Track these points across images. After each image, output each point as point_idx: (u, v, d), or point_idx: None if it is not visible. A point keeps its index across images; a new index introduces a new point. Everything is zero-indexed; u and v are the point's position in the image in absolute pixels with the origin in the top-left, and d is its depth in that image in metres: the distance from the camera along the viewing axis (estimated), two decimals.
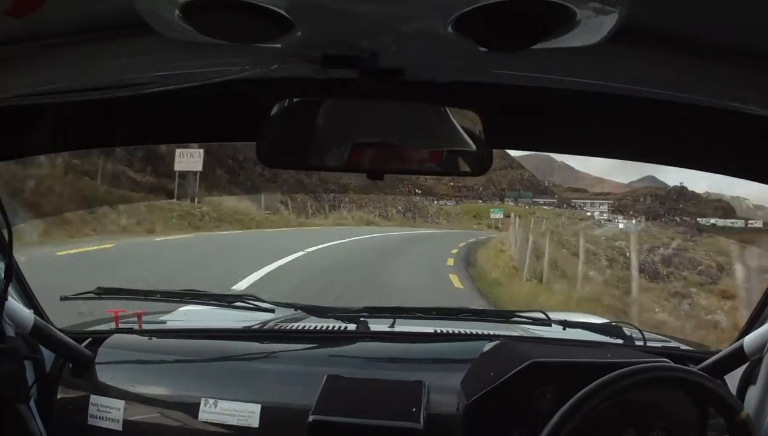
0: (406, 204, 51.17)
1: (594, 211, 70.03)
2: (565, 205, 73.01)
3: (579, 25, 0.73)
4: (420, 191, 57.04)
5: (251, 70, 0.89)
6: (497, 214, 48.69)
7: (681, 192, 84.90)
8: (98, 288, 1.60)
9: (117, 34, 0.86)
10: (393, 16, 0.77)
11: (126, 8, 0.73)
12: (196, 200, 22.35)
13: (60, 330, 1.41)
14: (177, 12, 0.72)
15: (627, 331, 1.57)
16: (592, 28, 0.74)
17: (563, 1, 0.68)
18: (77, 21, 0.84)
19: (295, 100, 1.02)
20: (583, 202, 78.41)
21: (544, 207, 67.93)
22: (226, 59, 0.90)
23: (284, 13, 0.73)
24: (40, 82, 0.93)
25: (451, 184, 62.11)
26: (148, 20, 0.76)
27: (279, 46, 0.83)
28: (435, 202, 59.82)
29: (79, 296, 1.61)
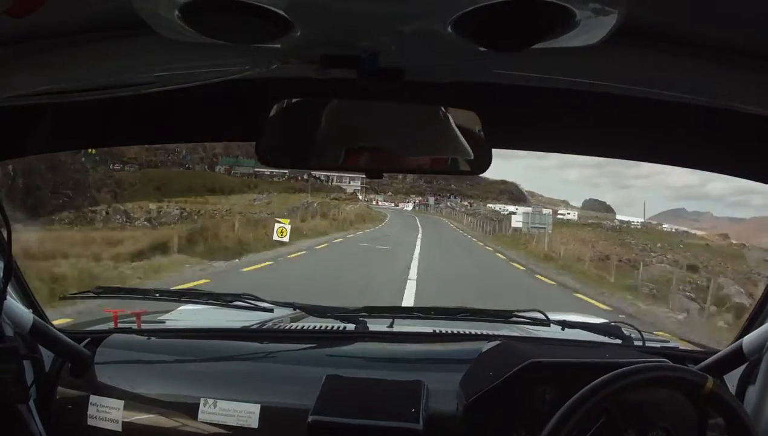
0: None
1: (349, 190, 57.35)
2: (303, 177, 51.84)
3: (578, 26, 0.74)
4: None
5: (251, 71, 0.89)
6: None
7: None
8: (97, 287, 1.60)
9: (117, 35, 0.86)
10: (393, 17, 0.77)
11: (125, 9, 0.73)
12: None
13: (59, 330, 1.40)
14: (176, 12, 0.72)
15: (626, 331, 1.57)
16: (592, 29, 0.74)
17: (562, 1, 0.68)
18: (77, 21, 0.84)
19: (294, 100, 1.02)
20: (327, 176, 55.73)
21: (275, 179, 50.84)
22: (226, 59, 0.90)
23: (283, 14, 0.73)
24: (40, 82, 0.93)
25: (146, 146, 41.32)
26: (147, 21, 0.76)
27: (278, 46, 0.83)
28: (111, 165, 38.09)
29: (77, 295, 1.61)
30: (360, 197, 57.30)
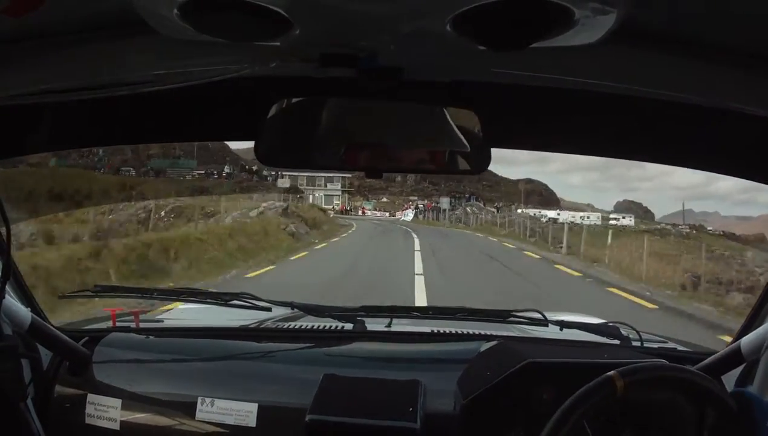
0: None
1: (323, 194, 44.98)
2: (250, 175, 47.25)
3: (577, 25, 0.74)
4: None
5: (250, 69, 0.89)
6: None
7: None
8: (96, 286, 1.60)
9: (116, 34, 0.86)
10: (392, 15, 0.77)
11: (125, 7, 0.73)
12: None
13: (57, 328, 1.40)
14: (175, 11, 0.72)
15: (624, 331, 1.57)
16: (591, 28, 0.74)
17: (561, 0, 0.68)
18: (76, 20, 0.84)
19: (293, 99, 1.02)
20: (279, 174, 45.45)
21: (186, 177, 47.36)
22: (225, 58, 0.90)
23: (283, 12, 0.73)
24: (40, 82, 0.93)
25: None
26: (147, 19, 0.76)
27: (278, 44, 0.83)
28: None
29: (77, 293, 1.61)
30: (314, 198, 44.35)
